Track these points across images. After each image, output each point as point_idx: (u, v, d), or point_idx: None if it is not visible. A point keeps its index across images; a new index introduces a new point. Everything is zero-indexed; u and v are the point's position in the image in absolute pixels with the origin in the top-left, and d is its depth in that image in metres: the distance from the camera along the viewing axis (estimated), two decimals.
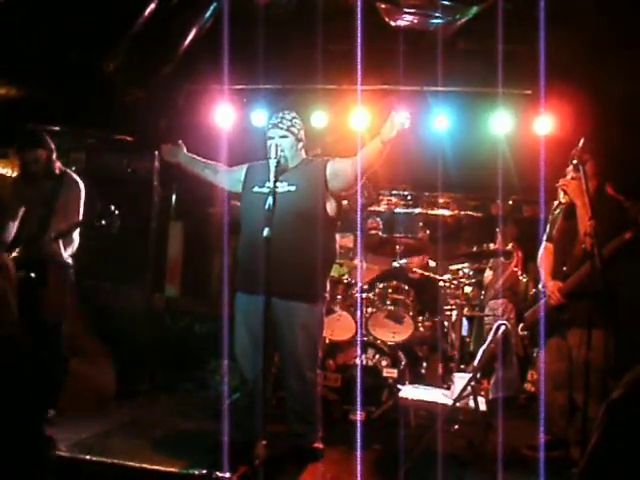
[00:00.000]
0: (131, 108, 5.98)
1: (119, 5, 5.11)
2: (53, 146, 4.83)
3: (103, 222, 4.57)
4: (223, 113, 6.53)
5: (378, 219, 6.81)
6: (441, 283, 6.11)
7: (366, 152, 3.96)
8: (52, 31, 5.03)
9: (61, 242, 4.68)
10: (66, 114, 5.57)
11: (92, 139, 6.20)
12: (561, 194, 4.37)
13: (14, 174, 6.13)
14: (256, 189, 4.18)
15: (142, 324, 6.08)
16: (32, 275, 4.45)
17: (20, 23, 4.92)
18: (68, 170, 4.90)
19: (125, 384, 5.55)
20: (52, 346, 4.61)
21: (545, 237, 4.56)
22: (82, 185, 4.82)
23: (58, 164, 4.83)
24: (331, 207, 4.15)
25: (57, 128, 5.55)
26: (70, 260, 4.73)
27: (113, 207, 4.57)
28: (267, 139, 4.16)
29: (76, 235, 4.77)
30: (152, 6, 5.15)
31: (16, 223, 4.76)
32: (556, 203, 4.52)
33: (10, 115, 5.52)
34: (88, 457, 3.83)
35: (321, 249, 4.07)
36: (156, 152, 6.18)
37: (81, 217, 4.74)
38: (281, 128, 4.15)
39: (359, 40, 4.77)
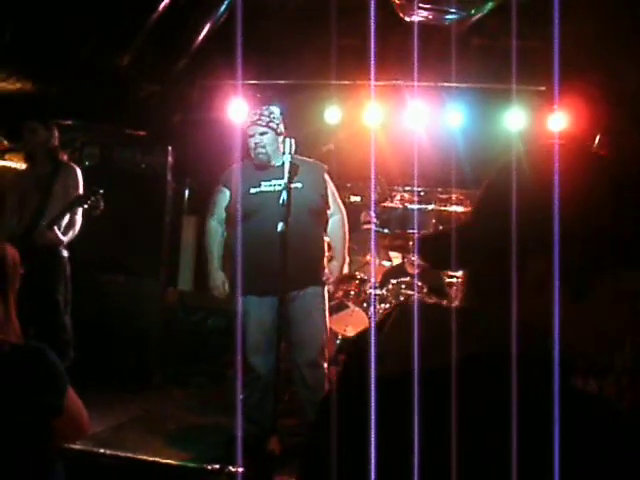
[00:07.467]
0: (145, 103, 5.98)
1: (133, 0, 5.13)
2: (56, 133, 4.87)
3: (89, 202, 4.60)
4: (237, 108, 6.52)
5: (372, 213, 6.72)
6: (454, 279, 6.07)
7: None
8: (66, 25, 5.04)
9: (57, 229, 4.62)
10: (80, 109, 5.58)
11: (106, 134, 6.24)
12: None
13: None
14: (253, 190, 4.17)
15: (155, 318, 6.10)
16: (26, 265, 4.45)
17: (34, 17, 4.93)
18: (65, 159, 4.91)
19: (138, 378, 5.58)
20: (50, 336, 4.50)
21: None
22: (79, 173, 4.81)
23: (64, 155, 4.86)
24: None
25: (70, 122, 5.57)
26: (65, 251, 4.71)
27: (97, 188, 4.61)
28: (248, 137, 4.21)
29: (78, 219, 4.73)
30: (166, 0, 5.15)
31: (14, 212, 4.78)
32: None
33: (24, 110, 5.54)
34: (102, 450, 3.86)
35: (322, 240, 4.29)
36: (169, 147, 6.20)
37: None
38: (260, 125, 4.17)
39: (373, 36, 4.75)
